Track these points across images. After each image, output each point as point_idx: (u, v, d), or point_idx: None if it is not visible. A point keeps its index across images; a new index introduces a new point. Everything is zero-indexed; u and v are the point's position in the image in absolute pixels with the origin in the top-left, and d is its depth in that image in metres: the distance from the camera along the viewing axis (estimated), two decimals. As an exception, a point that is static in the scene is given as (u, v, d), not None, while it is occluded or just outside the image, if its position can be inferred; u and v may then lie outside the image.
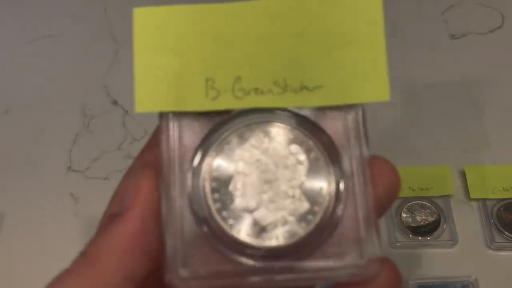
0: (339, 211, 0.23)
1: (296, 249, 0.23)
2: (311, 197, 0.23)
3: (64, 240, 0.54)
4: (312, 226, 0.23)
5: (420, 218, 0.55)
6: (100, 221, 0.24)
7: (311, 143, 0.24)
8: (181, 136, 0.24)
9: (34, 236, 0.56)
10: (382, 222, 0.55)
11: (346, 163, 0.24)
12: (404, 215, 0.55)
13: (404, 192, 0.56)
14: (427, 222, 0.54)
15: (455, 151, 0.60)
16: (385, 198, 0.24)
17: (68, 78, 0.67)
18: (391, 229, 0.55)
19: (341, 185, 0.23)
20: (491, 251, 0.53)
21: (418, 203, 0.55)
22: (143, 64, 0.24)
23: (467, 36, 0.69)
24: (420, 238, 0.54)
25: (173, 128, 0.24)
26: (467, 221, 0.55)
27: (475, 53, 0.67)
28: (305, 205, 0.23)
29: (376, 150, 0.22)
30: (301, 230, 0.23)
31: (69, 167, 0.61)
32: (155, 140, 0.25)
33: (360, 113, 0.24)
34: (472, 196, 0.56)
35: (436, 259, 0.53)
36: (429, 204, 0.55)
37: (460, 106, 0.64)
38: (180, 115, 0.24)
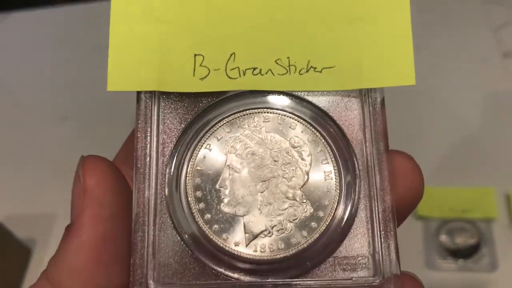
0: (349, 217, 0.19)
1: (295, 263, 0.19)
2: (315, 200, 0.19)
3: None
4: (315, 235, 0.19)
5: (459, 240, 0.54)
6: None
7: (318, 135, 0.20)
8: (161, 122, 0.20)
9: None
10: (420, 242, 0.55)
11: (359, 159, 0.19)
12: (443, 237, 0.54)
13: (445, 213, 0.55)
14: (466, 245, 0.53)
15: (501, 173, 0.58)
16: (405, 202, 0.19)
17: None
18: (429, 250, 0.54)
19: (353, 186, 0.19)
20: (533, 278, 0.52)
21: (458, 225, 0.55)
22: (121, 33, 0.19)
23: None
24: (458, 261, 0.53)
25: (152, 112, 0.20)
26: (509, 246, 0.54)
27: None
28: (307, 210, 0.19)
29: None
30: (302, 240, 0.19)
31: (118, 173, 0.64)
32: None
33: (379, 100, 0.20)
34: (516, 221, 0.54)
35: (474, 283, 0.52)
36: (470, 227, 0.54)
37: (510, 128, 0.62)
38: (162, 96, 0.20)
